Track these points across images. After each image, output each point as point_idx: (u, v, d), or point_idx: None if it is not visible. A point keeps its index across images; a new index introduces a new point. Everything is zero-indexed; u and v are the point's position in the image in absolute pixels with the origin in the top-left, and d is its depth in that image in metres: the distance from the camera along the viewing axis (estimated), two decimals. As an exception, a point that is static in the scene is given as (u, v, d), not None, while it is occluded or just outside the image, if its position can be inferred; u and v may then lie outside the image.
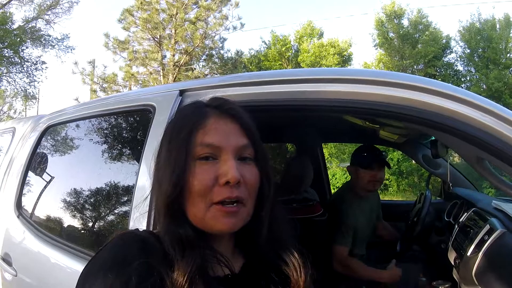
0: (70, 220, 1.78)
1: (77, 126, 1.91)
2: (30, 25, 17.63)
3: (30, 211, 1.89)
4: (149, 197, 1.20)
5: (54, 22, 18.10)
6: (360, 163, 2.54)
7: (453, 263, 1.96)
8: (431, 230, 2.65)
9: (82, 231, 1.75)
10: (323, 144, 3.85)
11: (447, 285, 1.85)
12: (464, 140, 1.12)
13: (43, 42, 18.06)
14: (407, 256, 2.71)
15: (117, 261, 0.68)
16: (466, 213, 2.20)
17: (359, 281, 2.35)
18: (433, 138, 2.22)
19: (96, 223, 1.72)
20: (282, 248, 0.83)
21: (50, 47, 18.36)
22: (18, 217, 1.87)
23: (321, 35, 23.76)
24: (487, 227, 1.76)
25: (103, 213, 1.72)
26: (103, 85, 13.69)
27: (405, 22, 20.80)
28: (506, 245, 1.62)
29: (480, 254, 1.67)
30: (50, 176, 1.93)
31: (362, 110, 1.27)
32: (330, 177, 4.71)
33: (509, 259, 1.56)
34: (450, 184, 3.03)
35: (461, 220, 2.17)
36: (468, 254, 1.75)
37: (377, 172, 2.54)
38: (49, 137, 2.05)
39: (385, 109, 1.20)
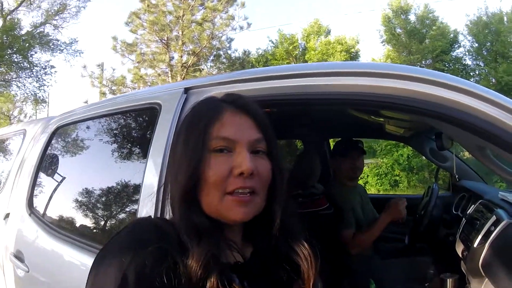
0: (80, 218, 1.81)
1: (86, 126, 1.95)
2: (38, 30, 17.78)
3: (41, 210, 1.92)
4: (155, 194, 1.24)
5: (62, 27, 18.27)
6: (340, 153, 2.71)
7: (460, 256, 1.96)
8: (439, 223, 2.65)
9: (92, 228, 1.78)
10: (330, 140, 3.86)
11: (455, 278, 1.86)
12: (464, 130, 1.13)
13: (52, 46, 18.21)
14: (415, 249, 2.72)
15: (133, 244, 0.71)
16: (473, 205, 2.20)
17: (366, 273, 2.35)
18: (438, 131, 2.22)
19: (106, 220, 1.75)
20: (293, 239, 0.86)
21: (58, 51, 18.51)
22: (30, 215, 1.91)
23: (328, 33, 23.74)
24: (494, 218, 1.76)
25: (112, 210, 1.75)
26: (112, 88, 13.77)
27: (412, 18, 20.77)
28: (512, 235, 1.63)
29: (487, 245, 1.67)
30: (61, 175, 1.97)
31: (369, 103, 1.28)
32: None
33: (515, 249, 1.56)
34: (457, 176, 3.03)
35: (468, 212, 2.17)
36: (475, 245, 1.75)
37: (356, 159, 2.70)
38: (59, 138, 2.08)
39: (390, 101, 1.21)
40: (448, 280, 1.83)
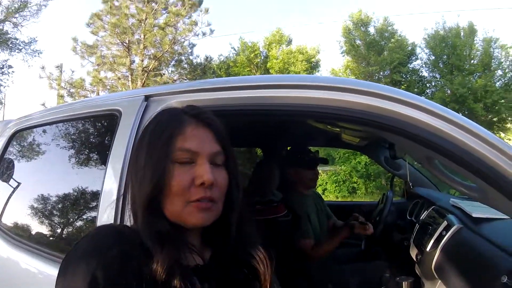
0: (38, 225, 1.76)
1: (46, 131, 1.90)
2: (-4, 28, 17.10)
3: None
4: (115, 201, 1.23)
5: (21, 25, 17.64)
6: (302, 164, 2.71)
7: (415, 259, 2.04)
8: (393, 228, 2.74)
9: (51, 235, 1.73)
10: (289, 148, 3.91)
11: (410, 280, 1.92)
12: (414, 142, 1.19)
13: (10, 45, 17.54)
14: (372, 254, 2.80)
15: (98, 248, 0.73)
16: (426, 211, 2.30)
17: (324, 278, 2.40)
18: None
19: (64, 227, 1.71)
20: (249, 243, 0.91)
21: (17, 50, 17.88)
22: (-14, 222, 1.83)
23: (289, 42, 24.08)
24: (445, 223, 1.85)
25: (71, 217, 1.71)
26: (71, 90, 13.34)
27: (372, 30, 21.33)
28: (462, 239, 1.71)
29: (439, 249, 1.75)
30: (18, 182, 1.91)
31: (323, 115, 1.32)
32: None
33: (465, 252, 1.64)
34: (410, 184, 3.15)
35: (421, 218, 2.27)
36: (428, 249, 1.83)
37: (316, 170, 2.77)
38: (17, 143, 2.02)
39: (342, 113, 1.25)
40: (403, 283, 1.89)
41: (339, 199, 13.91)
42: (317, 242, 2.55)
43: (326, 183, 15.31)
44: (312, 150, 2.89)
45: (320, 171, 2.89)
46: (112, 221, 1.21)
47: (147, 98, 1.43)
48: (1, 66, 17.86)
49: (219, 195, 0.85)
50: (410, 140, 1.19)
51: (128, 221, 0.88)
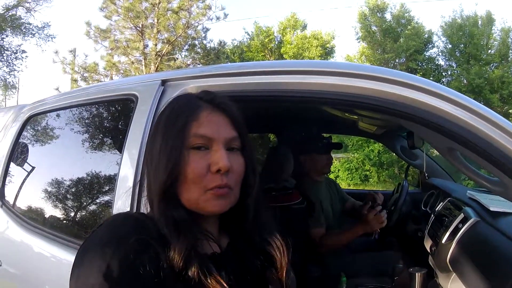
0: (53, 210, 1.77)
1: (61, 116, 1.90)
2: (10, 13, 17.16)
3: (12, 201, 1.87)
4: (131, 187, 1.23)
5: (34, 10, 17.74)
6: (315, 150, 2.70)
7: (429, 251, 2.02)
8: (408, 219, 2.73)
9: (65, 220, 1.75)
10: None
11: (423, 272, 1.90)
12: (436, 132, 1.17)
13: (24, 30, 17.69)
14: (385, 244, 2.79)
15: (114, 237, 0.73)
16: (442, 203, 2.27)
17: (337, 266, 2.40)
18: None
19: (78, 212, 1.73)
20: (266, 231, 0.91)
21: (30, 35, 18.00)
22: (1, 206, 1.85)
23: (304, 27, 23.79)
24: (462, 215, 1.82)
25: (86, 202, 1.72)
26: (84, 75, 13.43)
27: (388, 16, 20.99)
28: (479, 233, 1.68)
29: (454, 241, 1.72)
30: (33, 166, 1.92)
31: (342, 102, 1.30)
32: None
33: (481, 246, 1.61)
34: (426, 174, 3.12)
35: (437, 209, 2.24)
36: (443, 241, 1.81)
37: (329, 155, 2.77)
38: (31, 127, 2.03)
39: (362, 101, 1.23)
40: (416, 274, 1.88)
41: (351, 187, 13.89)
42: (328, 232, 2.55)
43: (339, 170, 15.30)
44: (325, 136, 2.87)
45: (333, 158, 2.87)
46: (127, 207, 1.22)
47: (163, 82, 1.42)
48: (14, 51, 18.01)
49: (236, 181, 0.84)
50: (432, 130, 1.17)
51: (144, 208, 0.87)
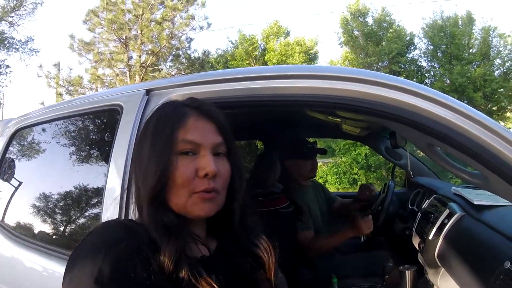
0: (42, 223, 1.76)
1: (48, 129, 1.89)
2: (-7, 28, 17.03)
3: (1, 216, 1.84)
4: (119, 197, 1.23)
5: (18, 24, 17.59)
6: (301, 155, 2.73)
7: (417, 248, 2.04)
8: (396, 218, 2.75)
9: (55, 233, 1.73)
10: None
11: (413, 269, 1.93)
12: (415, 129, 1.20)
13: (7, 45, 17.48)
14: (374, 244, 2.81)
15: (105, 243, 0.74)
16: (428, 200, 2.29)
17: (328, 268, 2.41)
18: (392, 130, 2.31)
19: (68, 224, 1.72)
20: (253, 234, 0.93)
21: (14, 50, 17.85)
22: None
23: (287, 34, 23.95)
24: (447, 211, 1.85)
25: (74, 214, 1.71)
26: (69, 88, 13.35)
27: (370, 20, 21.19)
28: (464, 227, 1.70)
29: (441, 237, 1.75)
30: (20, 181, 1.90)
31: (324, 104, 1.33)
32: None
33: (467, 239, 1.63)
34: (411, 173, 3.16)
35: (423, 206, 2.26)
36: (430, 237, 1.83)
37: (314, 160, 2.80)
38: (18, 141, 2.01)
39: (344, 102, 1.26)
40: (406, 272, 1.90)
41: (340, 190, 13.95)
42: (317, 236, 2.57)
43: (327, 175, 15.37)
44: (310, 141, 2.90)
45: (320, 163, 2.91)
46: (116, 217, 1.21)
47: (148, 92, 1.43)
48: (-2, 66, 17.79)
49: (222, 186, 0.86)
50: (411, 127, 1.20)
51: (133, 216, 0.89)
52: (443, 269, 1.73)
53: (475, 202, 1.83)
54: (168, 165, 0.82)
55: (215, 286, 0.76)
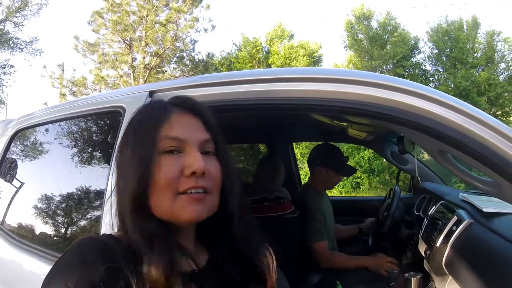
0: (42, 226, 1.74)
1: (48, 130, 1.87)
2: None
3: (0, 218, 1.83)
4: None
5: (22, 25, 17.77)
6: (336, 167, 2.67)
7: (424, 255, 2.01)
8: (401, 224, 2.72)
9: (54, 236, 1.72)
10: (295, 144, 3.89)
11: (418, 276, 1.89)
12: (427, 134, 1.16)
13: (11, 45, 17.61)
14: (379, 250, 2.78)
15: (80, 262, 0.68)
16: (434, 206, 2.26)
17: (334, 276, 2.39)
18: (400, 135, 2.28)
19: (68, 228, 1.69)
20: (251, 242, 0.86)
21: (18, 50, 18.00)
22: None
23: (291, 37, 23.91)
24: (455, 218, 1.82)
25: (75, 217, 1.69)
26: (73, 89, 13.43)
27: (374, 24, 21.22)
28: (473, 235, 1.67)
29: (449, 244, 1.71)
30: (21, 182, 1.89)
31: (331, 108, 1.30)
32: (302, 177, 4.77)
33: (476, 248, 1.60)
34: (419, 179, 3.12)
35: (430, 213, 2.23)
36: (438, 245, 1.80)
37: (343, 175, 2.78)
38: (19, 142, 2.00)
39: (352, 107, 1.23)
40: (412, 279, 1.87)
41: (343, 194, 13.91)
42: (340, 252, 2.58)
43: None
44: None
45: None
46: (116, 221, 1.18)
47: (151, 94, 1.41)
48: (2, 66, 18.00)
49: (213, 186, 0.78)
50: (422, 132, 1.16)
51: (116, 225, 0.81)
52: (450, 277, 1.69)
53: (485, 210, 1.80)
54: (150, 165, 0.74)
55: None
